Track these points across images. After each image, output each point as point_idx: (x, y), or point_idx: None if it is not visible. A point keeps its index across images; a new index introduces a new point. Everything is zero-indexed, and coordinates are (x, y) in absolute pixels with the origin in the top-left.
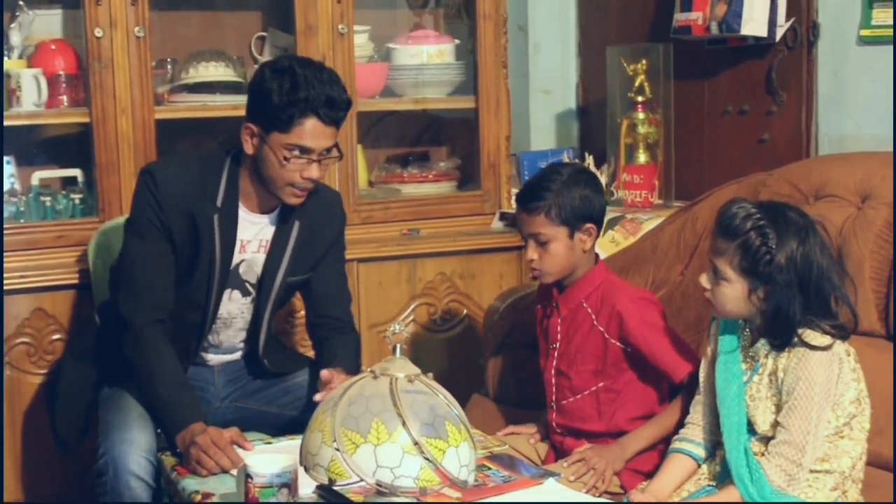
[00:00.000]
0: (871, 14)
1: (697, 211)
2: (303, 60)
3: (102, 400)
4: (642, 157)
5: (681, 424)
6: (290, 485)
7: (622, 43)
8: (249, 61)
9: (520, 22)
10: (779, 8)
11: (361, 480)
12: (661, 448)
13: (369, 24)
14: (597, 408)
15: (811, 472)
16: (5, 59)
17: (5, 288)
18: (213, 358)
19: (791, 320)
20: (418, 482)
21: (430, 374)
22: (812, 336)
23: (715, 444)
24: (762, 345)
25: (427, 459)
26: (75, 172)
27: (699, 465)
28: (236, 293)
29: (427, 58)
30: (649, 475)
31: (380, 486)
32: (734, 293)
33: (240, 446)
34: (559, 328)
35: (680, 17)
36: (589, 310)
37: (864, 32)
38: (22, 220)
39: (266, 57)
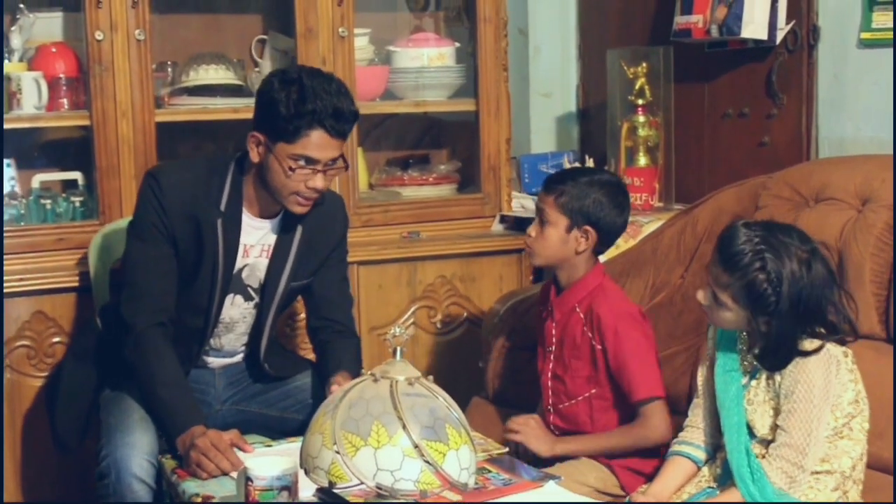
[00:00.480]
0: (871, 17)
1: (698, 214)
2: (312, 71)
3: (104, 402)
4: (642, 160)
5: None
6: (291, 488)
7: (622, 46)
8: (250, 64)
9: (520, 25)
10: (779, 11)
11: (362, 483)
12: (662, 450)
13: (370, 26)
14: (590, 414)
15: (812, 473)
16: (6, 61)
17: (5, 291)
18: (213, 361)
19: (791, 351)
20: (418, 485)
21: (431, 377)
22: (808, 343)
23: (715, 447)
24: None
25: (427, 462)
26: (76, 175)
27: (699, 468)
28: (238, 298)
29: (427, 61)
30: (650, 477)
31: (380, 489)
32: (734, 319)
33: (240, 449)
34: (553, 331)
35: (680, 20)
36: (581, 315)
37: (865, 35)
38: (22, 223)
39: (266, 60)
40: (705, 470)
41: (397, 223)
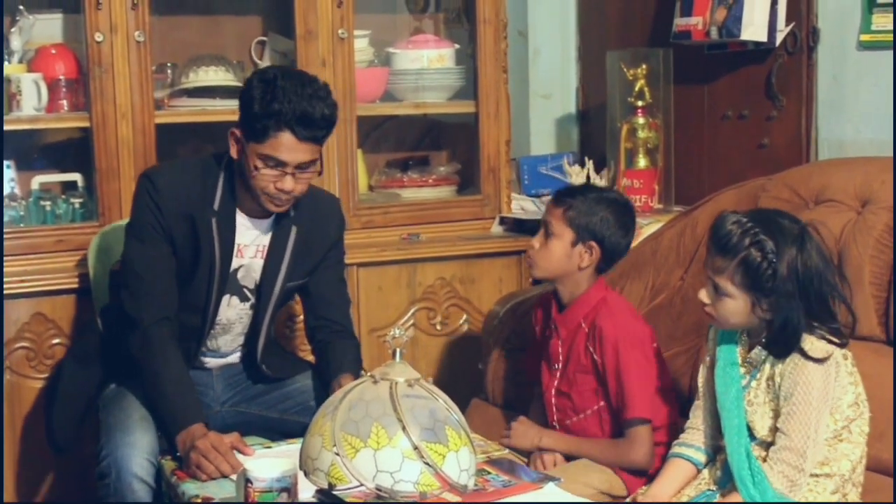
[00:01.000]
0: (870, 19)
1: (697, 215)
2: (290, 72)
3: (104, 402)
4: (642, 162)
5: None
6: (290, 489)
7: (622, 47)
8: (249, 66)
9: (520, 26)
10: (779, 13)
11: (361, 485)
12: (663, 451)
13: (369, 28)
14: (600, 427)
15: (811, 476)
16: (5, 63)
17: (5, 292)
18: (210, 361)
19: (798, 331)
20: (418, 487)
21: (430, 379)
22: (811, 343)
23: (715, 449)
24: (760, 351)
25: (427, 464)
26: (75, 177)
27: (699, 471)
28: (235, 299)
29: (427, 62)
30: (650, 478)
31: (380, 490)
32: (737, 307)
33: (240, 451)
34: (560, 349)
35: (680, 22)
36: (586, 329)
37: (864, 37)
38: (22, 225)
39: (266, 61)
40: (705, 472)
41: (397, 225)
